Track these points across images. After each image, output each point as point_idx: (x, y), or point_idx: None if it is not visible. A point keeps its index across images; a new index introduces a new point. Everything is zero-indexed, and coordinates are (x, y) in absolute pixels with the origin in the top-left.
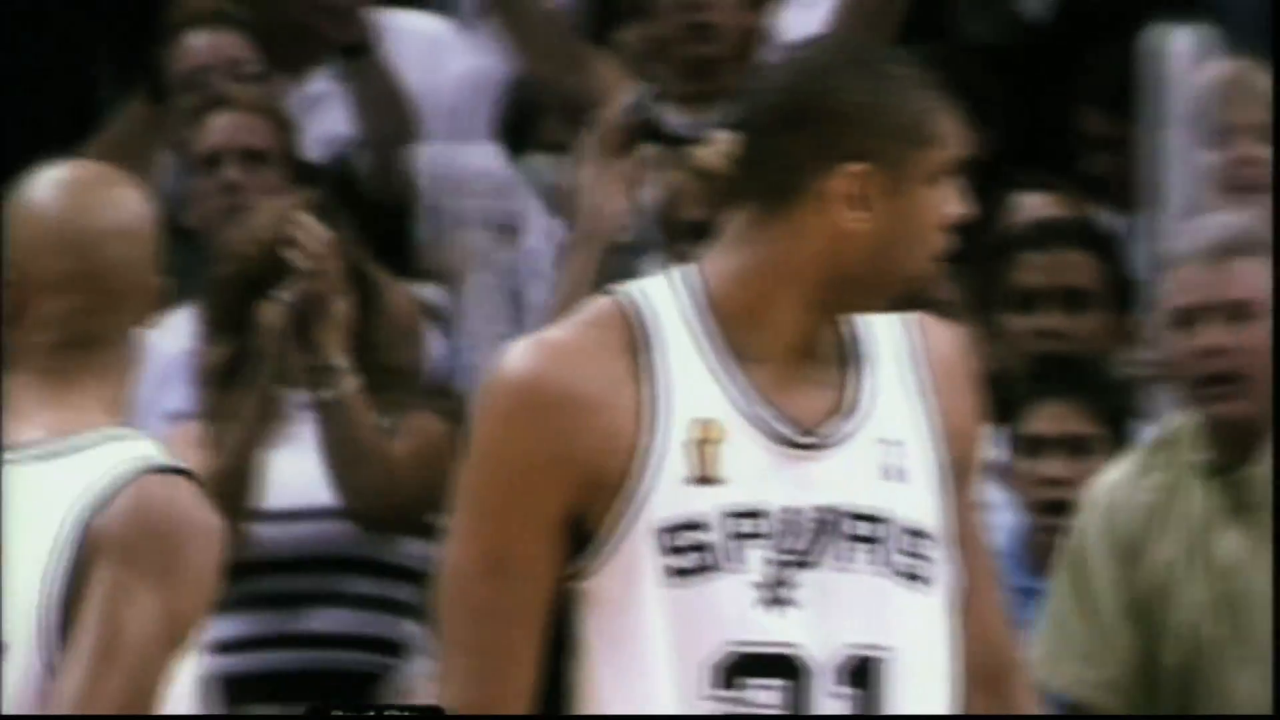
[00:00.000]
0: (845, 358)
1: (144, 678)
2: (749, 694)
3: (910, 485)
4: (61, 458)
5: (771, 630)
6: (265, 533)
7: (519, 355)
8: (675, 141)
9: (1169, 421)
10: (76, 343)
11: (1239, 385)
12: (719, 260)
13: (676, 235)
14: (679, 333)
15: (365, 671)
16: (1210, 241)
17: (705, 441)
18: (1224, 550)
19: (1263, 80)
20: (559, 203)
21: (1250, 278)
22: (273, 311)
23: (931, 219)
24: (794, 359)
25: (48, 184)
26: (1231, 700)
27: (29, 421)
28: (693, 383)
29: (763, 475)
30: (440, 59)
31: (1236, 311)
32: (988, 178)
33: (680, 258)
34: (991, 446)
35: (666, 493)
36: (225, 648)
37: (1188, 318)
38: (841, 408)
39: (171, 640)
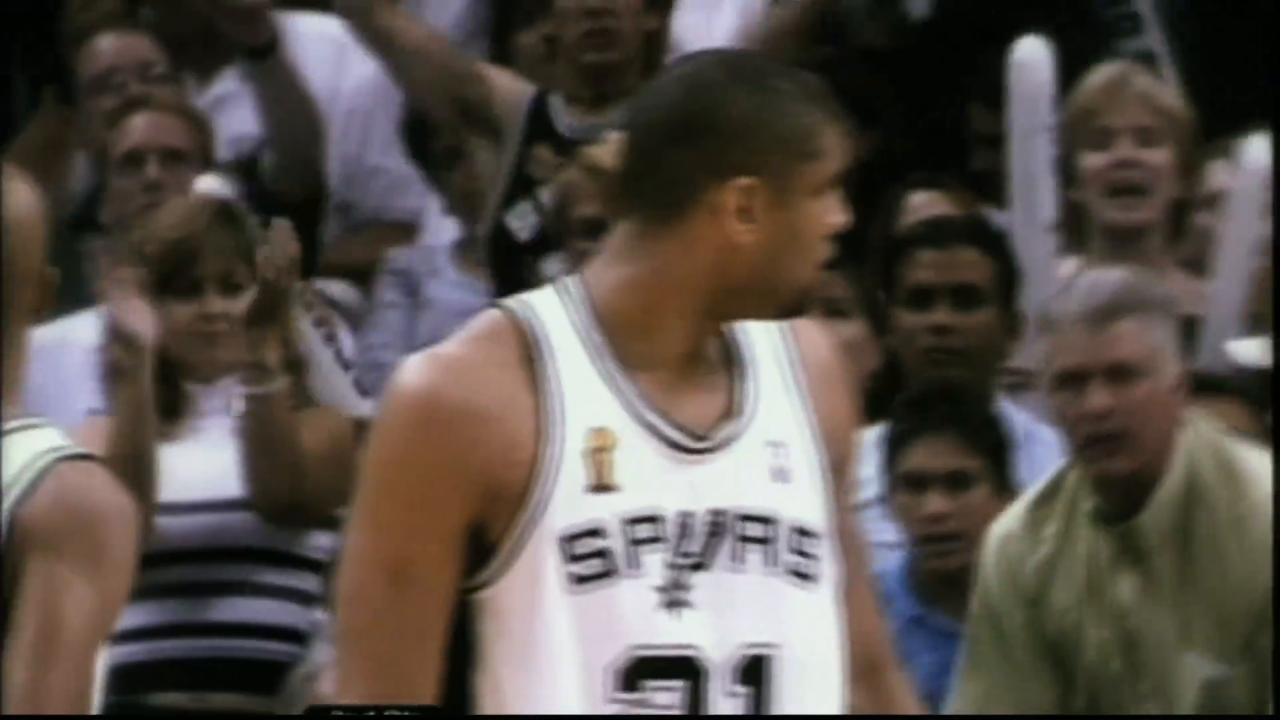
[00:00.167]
0: (729, 363)
1: (87, 665)
2: (649, 695)
3: (796, 485)
4: None
5: (672, 633)
6: (173, 525)
7: (415, 371)
8: (570, 143)
9: (1057, 471)
10: None
11: (1124, 443)
12: (606, 271)
13: (572, 233)
14: (570, 344)
15: (271, 660)
16: (1091, 303)
17: (600, 450)
18: (1120, 593)
19: (1143, 81)
20: (458, 202)
21: (1131, 338)
22: (181, 310)
23: (816, 229)
24: (682, 366)
25: None
26: None
27: None
28: (585, 392)
29: (657, 481)
30: (344, 62)
31: (1118, 372)
32: (880, 177)
33: (578, 255)
34: (873, 482)
35: (566, 501)
36: (130, 636)
37: (1071, 379)
38: (730, 412)
39: (105, 626)
